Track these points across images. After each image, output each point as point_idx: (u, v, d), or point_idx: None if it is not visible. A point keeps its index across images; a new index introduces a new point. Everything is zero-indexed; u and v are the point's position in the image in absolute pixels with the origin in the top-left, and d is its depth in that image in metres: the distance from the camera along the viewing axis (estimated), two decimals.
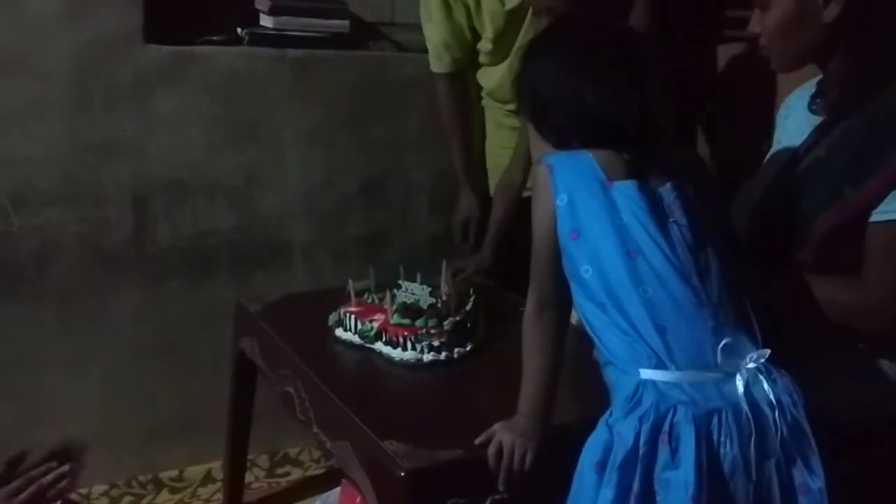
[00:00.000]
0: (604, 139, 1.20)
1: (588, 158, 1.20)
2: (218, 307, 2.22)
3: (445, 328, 1.64)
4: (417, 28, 2.32)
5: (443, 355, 1.62)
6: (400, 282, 1.80)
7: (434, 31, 2.20)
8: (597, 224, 1.16)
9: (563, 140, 1.24)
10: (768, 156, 1.59)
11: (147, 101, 2.14)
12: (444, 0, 2.15)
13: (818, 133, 1.42)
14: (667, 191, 1.21)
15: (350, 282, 1.80)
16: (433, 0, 2.17)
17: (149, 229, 2.20)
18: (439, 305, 1.71)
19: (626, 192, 1.18)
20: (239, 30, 2.30)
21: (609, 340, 1.15)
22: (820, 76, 1.47)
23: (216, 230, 2.28)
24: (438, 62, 2.24)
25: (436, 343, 1.62)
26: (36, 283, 2.11)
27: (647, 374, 1.11)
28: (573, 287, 1.19)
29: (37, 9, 2.00)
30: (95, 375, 2.21)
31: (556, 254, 1.19)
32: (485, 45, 2.18)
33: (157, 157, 2.18)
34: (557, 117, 1.24)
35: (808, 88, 1.52)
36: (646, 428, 1.08)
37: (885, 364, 1.38)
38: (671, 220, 1.18)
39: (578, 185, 1.18)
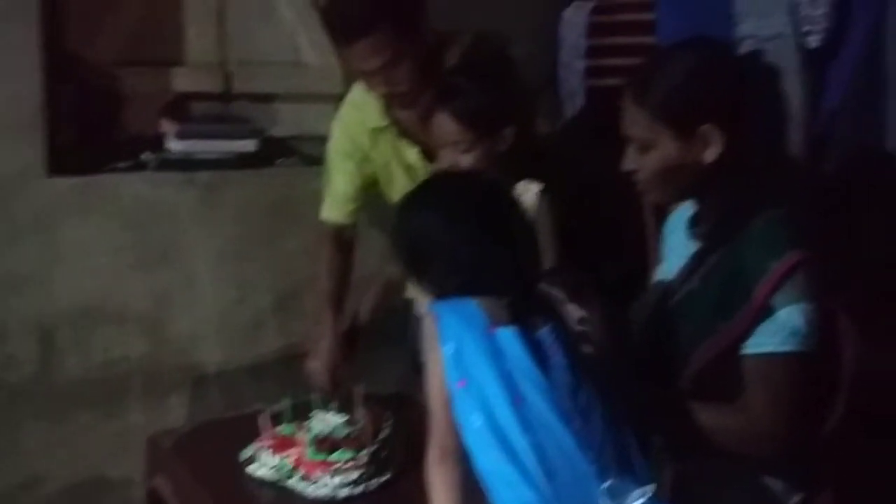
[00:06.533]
0: (480, 288, 1.23)
1: (472, 305, 1.22)
2: (130, 436, 2.18)
3: (361, 460, 1.63)
4: (326, 141, 2.35)
5: (359, 489, 1.61)
6: (314, 412, 1.79)
7: (337, 180, 2.11)
8: (483, 372, 1.18)
9: (441, 291, 1.27)
10: (657, 271, 1.64)
11: (52, 233, 2.13)
12: (355, 158, 2.08)
13: (693, 262, 1.48)
14: (545, 334, 1.23)
15: (261, 415, 1.78)
16: (341, 155, 2.10)
17: (56, 361, 2.16)
18: (355, 435, 1.70)
19: (508, 338, 1.20)
20: (146, 155, 2.30)
21: (500, 491, 1.15)
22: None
23: (126, 357, 2.25)
24: (333, 211, 2.13)
25: (352, 476, 1.61)
26: None
27: None
28: (466, 436, 1.19)
29: None
30: None
31: (451, 402, 1.20)
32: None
33: (64, 287, 2.15)
34: (433, 270, 1.27)
35: (688, 208, 1.56)
36: None
37: (770, 482, 1.42)
38: (552, 363, 1.21)
39: (464, 333, 1.20)
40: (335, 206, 2.13)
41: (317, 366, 2.00)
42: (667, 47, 1.58)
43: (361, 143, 2.08)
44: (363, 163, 2.09)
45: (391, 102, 1.97)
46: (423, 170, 2.01)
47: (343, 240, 2.15)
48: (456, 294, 1.25)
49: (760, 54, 1.76)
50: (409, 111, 1.97)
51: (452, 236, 1.25)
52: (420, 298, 1.34)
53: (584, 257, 2.11)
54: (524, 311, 1.24)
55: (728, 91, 1.43)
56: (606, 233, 2.25)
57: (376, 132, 2.05)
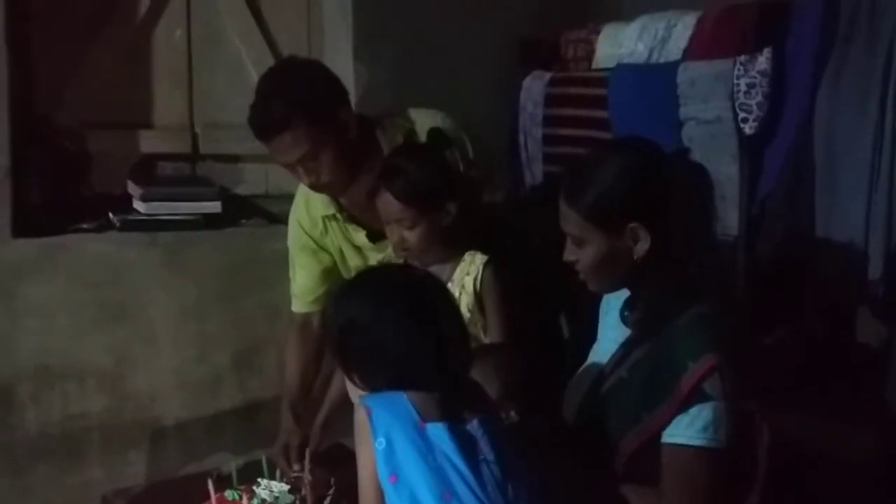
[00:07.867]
0: (408, 382, 1.28)
1: (403, 400, 1.26)
2: (89, 491, 2.23)
3: None
4: (291, 198, 2.42)
5: None
6: (259, 479, 1.85)
7: (298, 274, 2.21)
8: (413, 467, 1.22)
9: (370, 384, 1.32)
10: (592, 351, 1.71)
11: (14, 293, 2.19)
12: (310, 249, 2.17)
13: (623, 350, 1.55)
14: (475, 427, 1.28)
15: (209, 480, 1.83)
16: (298, 249, 2.19)
17: (15, 417, 2.21)
18: (298, 503, 1.76)
19: (438, 433, 1.25)
20: (110, 215, 2.37)
21: None
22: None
23: (86, 413, 2.30)
24: (298, 303, 2.23)
25: None
26: None
27: None
28: None
29: None
30: None
31: (382, 495, 1.25)
32: None
33: (25, 345, 2.21)
34: (361, 363, 1.32)
35: (624, 292, 1.62)
36: None
37: None
38: (481, 458, 1.26)
39: (395, 428, 1.24)
40: (298, 297, 2.23)
41: (276, 457, 2.05)
42: (597, 148, 1.65)
43: (313, 233, 2.17)
44: (319, 252, 2.18)
45: (321, 191, 2.05)
46: (372, 250, 2.10)
47: (312, 328, 2.22)
48: (385, 387, 1.29)
49: (689, 151, 1.83)
50: (353, 196, 2.05)
51: (379, 331, 1.29)
52: (353, 390, 1.38)
53: (536, 322, 2.19)
54: (454, 404, 1.29)
55: (654, 192, 1.49)
56: (560, 296, 2.32)
57: (326, 220, 2.14)
